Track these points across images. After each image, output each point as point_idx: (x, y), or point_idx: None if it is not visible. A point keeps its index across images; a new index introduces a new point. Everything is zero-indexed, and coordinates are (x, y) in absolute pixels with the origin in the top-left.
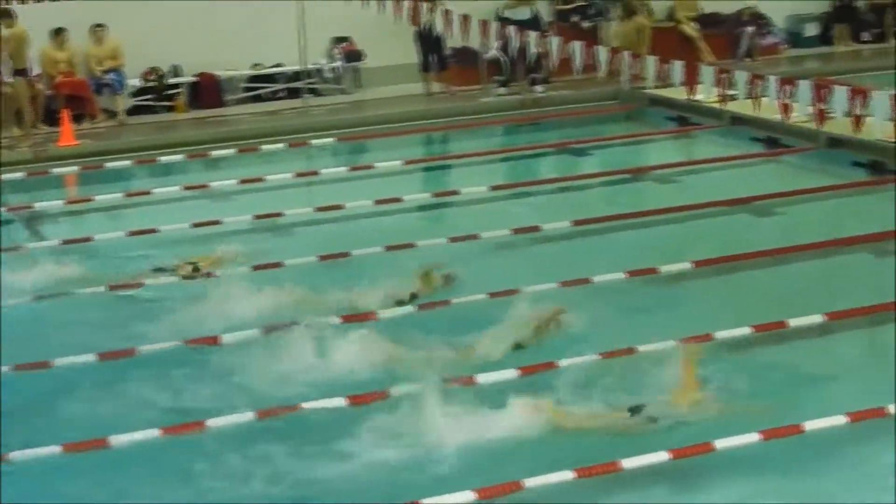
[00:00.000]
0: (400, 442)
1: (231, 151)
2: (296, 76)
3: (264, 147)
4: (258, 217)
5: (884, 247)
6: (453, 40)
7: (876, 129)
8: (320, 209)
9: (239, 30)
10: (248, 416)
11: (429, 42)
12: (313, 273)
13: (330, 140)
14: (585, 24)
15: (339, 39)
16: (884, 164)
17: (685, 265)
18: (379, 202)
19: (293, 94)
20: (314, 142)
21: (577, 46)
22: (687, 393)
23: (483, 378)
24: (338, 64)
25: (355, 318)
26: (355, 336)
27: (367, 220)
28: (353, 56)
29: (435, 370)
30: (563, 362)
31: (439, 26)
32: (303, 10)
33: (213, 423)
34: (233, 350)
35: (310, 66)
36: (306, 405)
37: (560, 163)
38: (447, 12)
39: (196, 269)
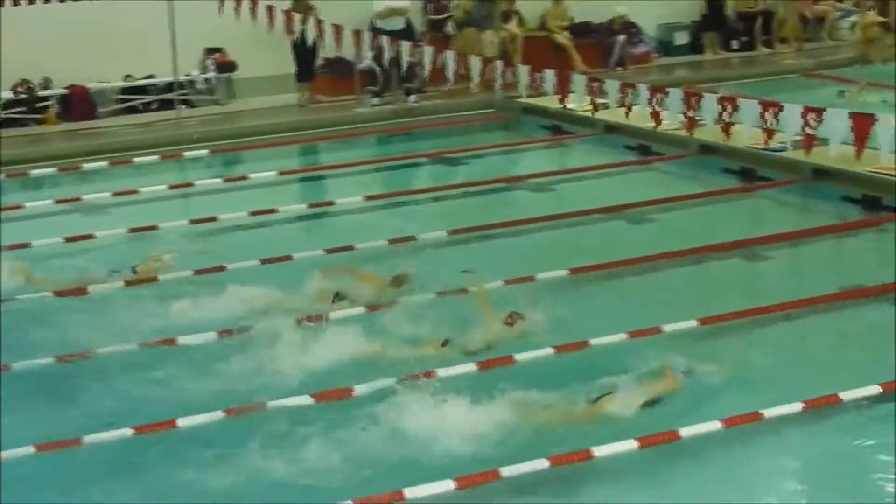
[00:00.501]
0: None
1: (104, 164)
2: (168, 87)
3: (137, 159)
4: (132, 230)
5: (755, 252)
6: (327, 50)
7: (745, 136)
8: (195, 221)
9: (111, 41)
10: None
11: (303, 52)
12: (188, 287)
13: (204, 152)
14: (456, 33)
15: (212, 50)
16: (753, 171)
17: (561, 273)
18: (254, 213)
19: (166, 105)
20: (188, 153)
21: (449, 56)
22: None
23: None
24: (211, 75)
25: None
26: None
27: (242, 231)
28: (226, 67)
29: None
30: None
31: (312, 36)
32: (174, 22)
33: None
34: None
35: (182, 78)
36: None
37: (435, 172)
38: (320, 23)
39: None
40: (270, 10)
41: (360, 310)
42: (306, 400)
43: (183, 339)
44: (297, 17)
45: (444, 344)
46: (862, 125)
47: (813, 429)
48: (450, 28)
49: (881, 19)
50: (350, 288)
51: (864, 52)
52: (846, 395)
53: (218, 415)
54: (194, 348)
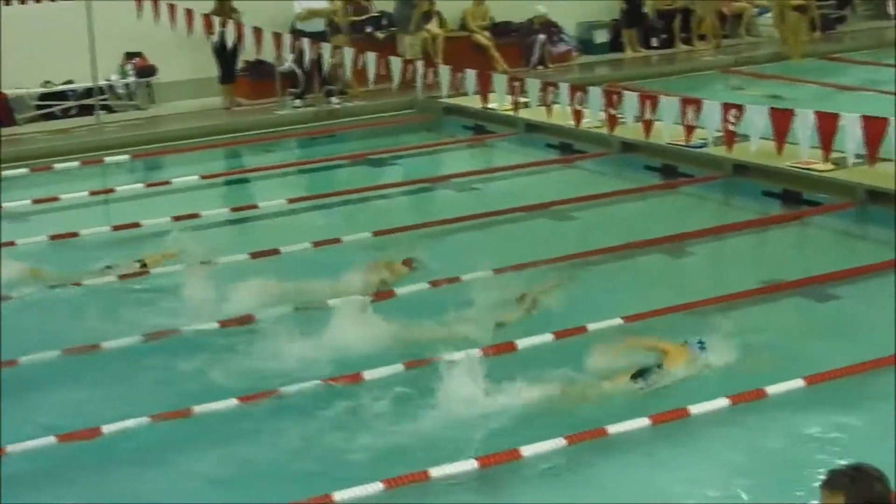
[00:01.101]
0: None
1: (23, 171)
2: (88, 93)
3: (58, 165)
4: (54, 237)
5: (678, 248)
6: (247, 53)
7: (665, 132)
8: (117, 227)
9: (28, 47)
10: None
11: (225, 55)
12: (111, 294)
13: (125, 157)
14: (380, 35)
15: (131, 55)
16: (675, 168)
17: (486, 272)
18: (177, 218)
19: (86, 110)
20: (108, 159)
21: (370, 57)
22: None
23: None
24: (130, 80)
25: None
26: None
27: (165, 237)
28: (146, 71)
29: None
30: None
31: (232, 39)
32: (92, 26)
33: None
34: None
35: (102, 83)
36: None
37: (358, 174)
38: (240, 25)
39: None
40: (189, 13)
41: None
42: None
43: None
44: (216, 19)
45: None
46: (781, 121)
47: (749, 420)
48: (370, 30)
49: (798, 2)
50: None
51: (783, 41)
52: (771, 390)
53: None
54: None
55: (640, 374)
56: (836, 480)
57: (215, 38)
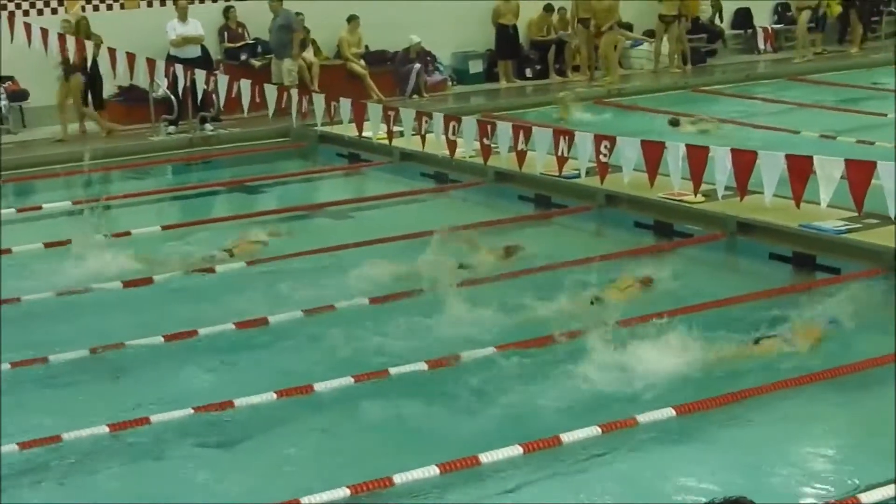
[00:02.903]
0: None
1: None
2: None
3: None
4: None
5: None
6: (121, 79)
7: (538, 163)
8: None
9: None
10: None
11: (94, 81)
12: None
13: None
14: (255, 63)
15: (3, 79)
16: (548, 198)
17: (362, 300)
18: (48, 245)
19: None
20: None
21: (245, 85)
22: None
23: None
24: (2, 103)
25: None
26: None
27: (36, 264)
28: (18, 95)
29: None
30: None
31: (104, 65)
32: None
33: None
34: None
35: None
36: None
37: (233, 201)
38: (112, 51)
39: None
40: (62, 38)
41: None
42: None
43: None
44: (71, 40)
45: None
46: (652, 153)
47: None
48: (245, 57)
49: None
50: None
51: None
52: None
53: None
54: None
55: None
56: None
57: (89, 64)
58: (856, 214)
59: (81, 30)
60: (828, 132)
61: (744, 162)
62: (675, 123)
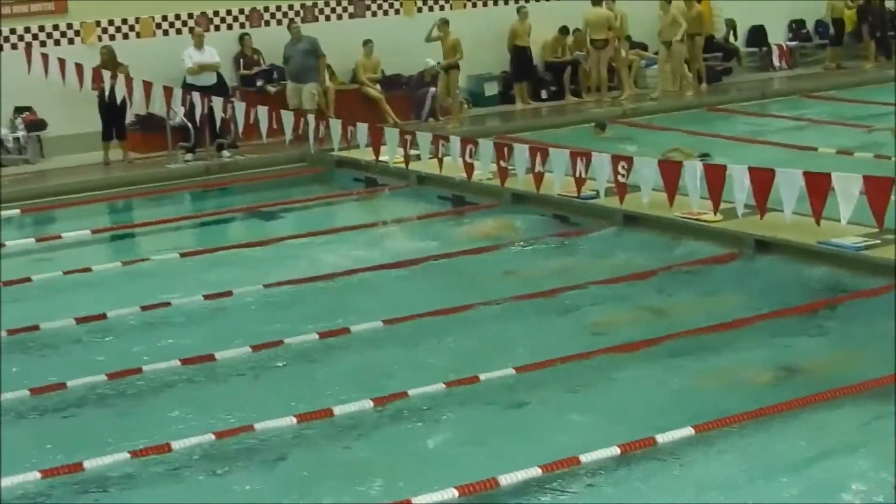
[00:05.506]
0: None
1: None
2: None
3: None
4: None
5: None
6: (138, 107)
7: (555, 184)
8: (7, 283)
9: None
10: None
11: (112, 110)
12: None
13: (15, 211)
14: (271, 89)
15: (21, 109)
16: (567, 218)
17: (376, 324)
18: (68, 273)
19: None
20: None
21: (262, 111)
22: None
23: None
24: (20, 133)
25: None
26: None
27: (56, 293)
28: (36, 125)
29: None
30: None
31: (121, 93)
32: None
33: None
34: None
35: None
36: None
37: (251, 227)
38: (129, 79)
39: None
40: (79, 67)
41: None
42: None
43: None
44: (106, 74)
45: None
46: (670, 173)
47: None
48: (261, 83)
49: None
50: None
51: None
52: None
53: None
54: None
55: None
56: None
57: (106, 92)
58: (876, 230)
59: (113, 62)
60: (845, 148)
61: (762, 180)
62: (601, 127)
